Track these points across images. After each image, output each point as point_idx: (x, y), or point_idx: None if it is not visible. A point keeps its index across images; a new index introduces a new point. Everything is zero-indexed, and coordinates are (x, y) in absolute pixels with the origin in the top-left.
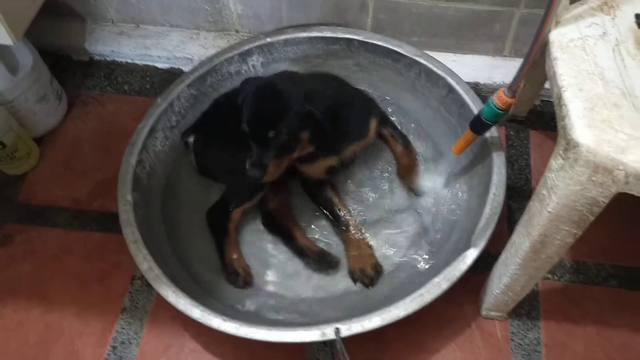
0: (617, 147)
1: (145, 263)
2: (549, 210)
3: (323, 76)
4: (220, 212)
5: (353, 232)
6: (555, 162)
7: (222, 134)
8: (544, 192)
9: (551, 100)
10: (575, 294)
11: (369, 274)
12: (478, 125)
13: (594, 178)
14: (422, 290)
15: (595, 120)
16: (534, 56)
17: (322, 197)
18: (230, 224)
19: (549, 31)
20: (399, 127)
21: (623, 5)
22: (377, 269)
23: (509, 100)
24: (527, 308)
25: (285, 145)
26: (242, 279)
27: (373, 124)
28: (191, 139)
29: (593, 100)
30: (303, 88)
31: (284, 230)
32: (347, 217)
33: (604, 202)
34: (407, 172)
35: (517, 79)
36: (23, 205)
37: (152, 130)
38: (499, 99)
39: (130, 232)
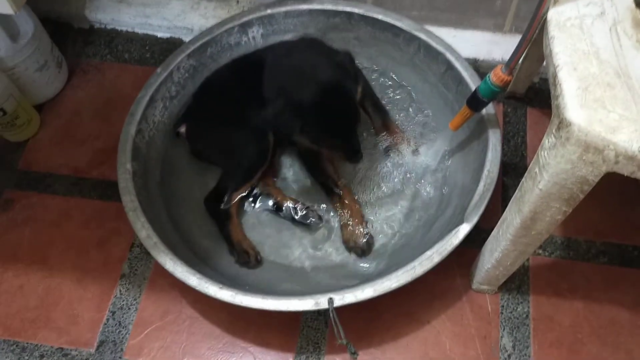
0: (608, 127)
1: (144, 231)
2: (540, 187)
3: (312, 42)
4: (219, 196)
5: (347, 203)
6: (547, 141)
7: (214, 117)
8: (536, 169)
9: None
10: (565, 270)
11: (361, 244)
12: (475, 102)
13: (584, 157)
14: (415, 263)
15: (588, 99)
16: (532, 35)
17: (319, 167)
18: (231, 207)
19: (547, 9)
20: (391, 101)
21: None
22: (369, 240)
23: (506, 77)
24: (517, 282)
25: None
26: (254, 258)
27: (359, 88)
28: (182, 129)
29: (587, 79)
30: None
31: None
32: (341, 188)
33: (593, 181)
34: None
35: (514, 56)
36: (23, 172)
37: (152, 100)
38: (495, 77)
39: (129, 200)
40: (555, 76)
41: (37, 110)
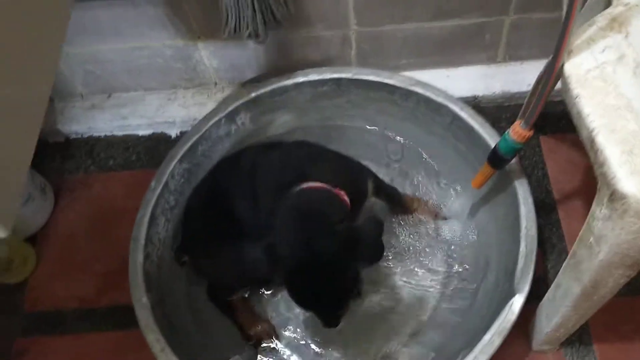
0: None
1: None
2: (600, 258)
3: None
4: (220, 293)
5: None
6: (599, 211)
7: (211, 244)
8: (591, 239)
9: (556, 99)
10: (624, 309)
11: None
12: (496, 160)
13: None
14: (476, 352)
15: (637, 164)
16: (549, 91)
17: None
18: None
19: (563, 64)
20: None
21: (633, 19)
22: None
23: (527, 133)
24: (577, 334)
25: None
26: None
27: (370, 186)
28: (186, 258)
29: (628, 140)
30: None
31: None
32: None
33: None
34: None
35: (533, 113)
36: (29, 315)
37: (152, 218)
38: (515, 134)
39: (155, 340)
40: (592, 141)
41: (30, 242)
